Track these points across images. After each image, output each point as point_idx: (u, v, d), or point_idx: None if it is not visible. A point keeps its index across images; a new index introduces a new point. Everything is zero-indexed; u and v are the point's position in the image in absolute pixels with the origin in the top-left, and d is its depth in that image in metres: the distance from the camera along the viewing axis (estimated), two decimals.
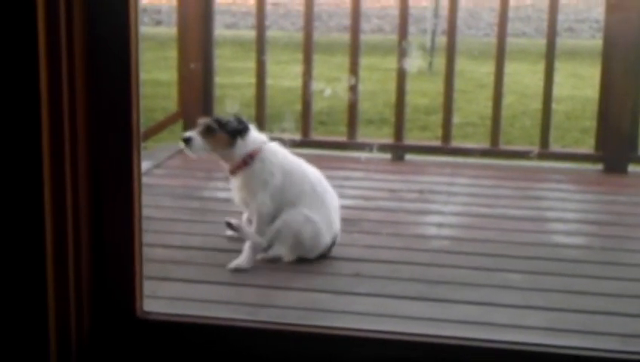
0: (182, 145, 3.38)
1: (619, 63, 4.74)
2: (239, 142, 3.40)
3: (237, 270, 3.29)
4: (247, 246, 3.35)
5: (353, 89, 4.91)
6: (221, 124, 3.39)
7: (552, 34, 4.86)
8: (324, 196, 3.47)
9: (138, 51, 2.31)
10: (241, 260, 3.32)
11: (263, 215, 3.39)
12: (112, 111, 2.32)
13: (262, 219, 3.39)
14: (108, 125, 2.32)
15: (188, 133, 3.41)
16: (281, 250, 3.37)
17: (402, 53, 4.90)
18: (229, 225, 3.40)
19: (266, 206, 3.39)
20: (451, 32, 4.95)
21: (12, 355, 2.30)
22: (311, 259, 3.39)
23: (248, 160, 3.41)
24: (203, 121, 3.44)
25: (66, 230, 2.28)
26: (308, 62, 4.93)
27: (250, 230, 3.40)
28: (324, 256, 3.41)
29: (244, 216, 3.52)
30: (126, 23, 2.26)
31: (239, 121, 3.44)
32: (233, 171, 3.44)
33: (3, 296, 2.27)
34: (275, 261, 3.37)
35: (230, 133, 3.39)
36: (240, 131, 3.40)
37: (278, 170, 3.42)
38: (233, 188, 3.48)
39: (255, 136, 3.46)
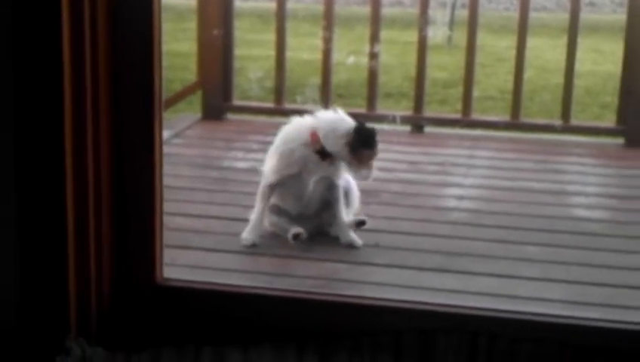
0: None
1: None
2: None
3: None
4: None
5: (374, 58, 4.88)
6: None
7: (575, 7, 4.80)
8: None
9: (161, 19, 2.29)
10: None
11: None
12: (134, 80, 2.30)
13: None
14: (130, 93, 2.31)
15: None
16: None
17: (422, 26, 4.86)
18: None
19: None
20: (473, 4, 4.91)
21: (32, 323, 2.31)
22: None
23: None
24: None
25: (88, 198, 2.28)
26: (328, 34, 4.90)
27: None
28: None
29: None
30: None
31: None
32: None
33: (24, 263, 2.27)
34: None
35: None
36: None
37: None
38: None
39: None
